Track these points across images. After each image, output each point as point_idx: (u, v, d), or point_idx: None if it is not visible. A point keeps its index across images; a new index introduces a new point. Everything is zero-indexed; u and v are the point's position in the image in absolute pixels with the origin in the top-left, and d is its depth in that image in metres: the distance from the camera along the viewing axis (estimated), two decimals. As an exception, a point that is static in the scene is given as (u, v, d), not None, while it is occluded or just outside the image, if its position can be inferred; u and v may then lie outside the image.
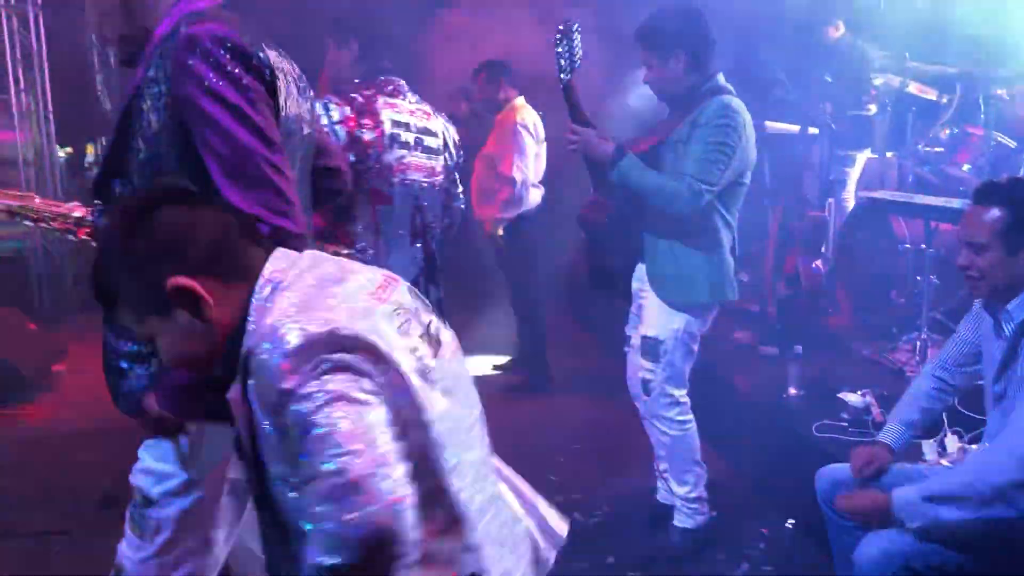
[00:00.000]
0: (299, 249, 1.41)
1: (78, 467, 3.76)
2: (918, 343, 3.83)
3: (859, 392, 3.42)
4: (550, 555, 1.54)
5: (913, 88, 4.70)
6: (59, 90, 7.25)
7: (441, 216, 3.04)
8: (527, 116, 4.81)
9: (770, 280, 4.72)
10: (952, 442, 2.71)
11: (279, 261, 1.33)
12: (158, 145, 1.64)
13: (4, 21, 6.83)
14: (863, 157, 5.17)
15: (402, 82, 2.96)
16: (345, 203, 2.68)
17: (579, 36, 2.78)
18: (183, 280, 1.25)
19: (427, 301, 1.42)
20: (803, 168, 5.10)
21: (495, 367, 5.12)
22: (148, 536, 1.77)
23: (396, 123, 2.85)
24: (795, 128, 5.04)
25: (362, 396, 1.18)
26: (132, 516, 1.79)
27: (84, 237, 2.00)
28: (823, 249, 4.60)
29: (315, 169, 1.99)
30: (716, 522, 3.17)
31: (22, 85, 6.99)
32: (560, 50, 2.79)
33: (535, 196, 4.88)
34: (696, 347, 3.00)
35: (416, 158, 2.90)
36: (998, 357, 2.16)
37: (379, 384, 1.21)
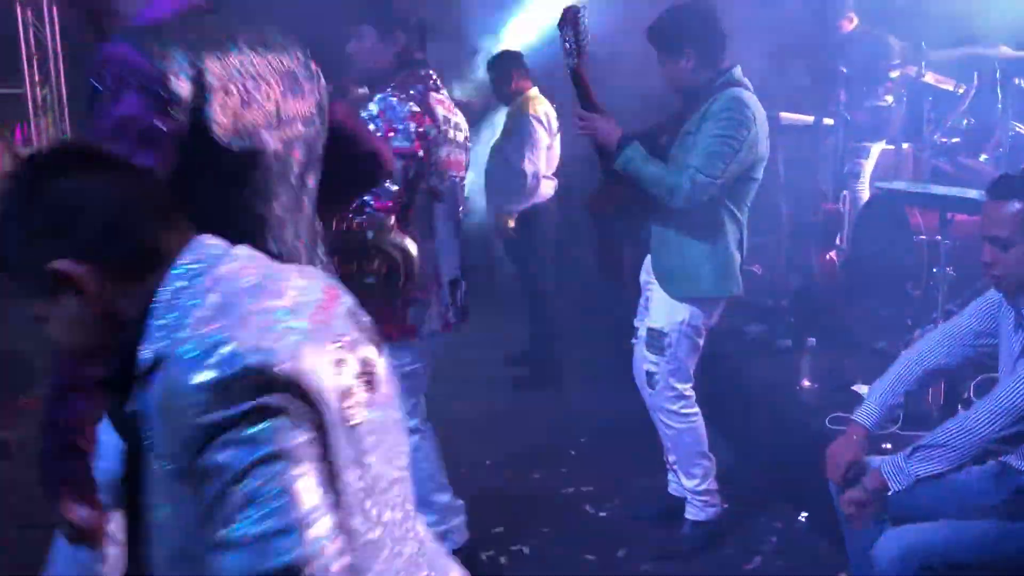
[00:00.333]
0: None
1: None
2: (933, 335, 3.79)
3: (873, 385, 3.40)
4: None
5: (929, 78, 4.65)
6: (74, 83, 7.28)
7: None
8: (540, 107, 4.78)
9: (784, 272, 4.69)
10: None
11: (201, 250, 1.14)
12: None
13: (19, 13, 6.84)
14: (878, 148, 5.12)
15: (435, 75, 2.79)
16: (407, 202, 2.56)
17: (586, 21, 2.75)
18: (64, 265, 1.07)
19: (363, 323, 1.23)
20: (817, 160, 5.05)
21: (505, 359, 5.12)
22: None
23: (445, 119, 2.70)
24: (809, 119, 5.00)
25: (298, 450, 1.01)
26: None
27: None
28: (837, 241, 4.56)
29: (345, 158, 1.93)
30: (728, 515, 3.16)
31: (37, 78, 7.00)
32: (565, 35, 2.76)
33: (547, 188, 4.86)
34: (701, 341, 2.98)
35: (456, 154, 2.78)
36: (1016, 351, 2.13)
37: (311, 435, 1.03)
